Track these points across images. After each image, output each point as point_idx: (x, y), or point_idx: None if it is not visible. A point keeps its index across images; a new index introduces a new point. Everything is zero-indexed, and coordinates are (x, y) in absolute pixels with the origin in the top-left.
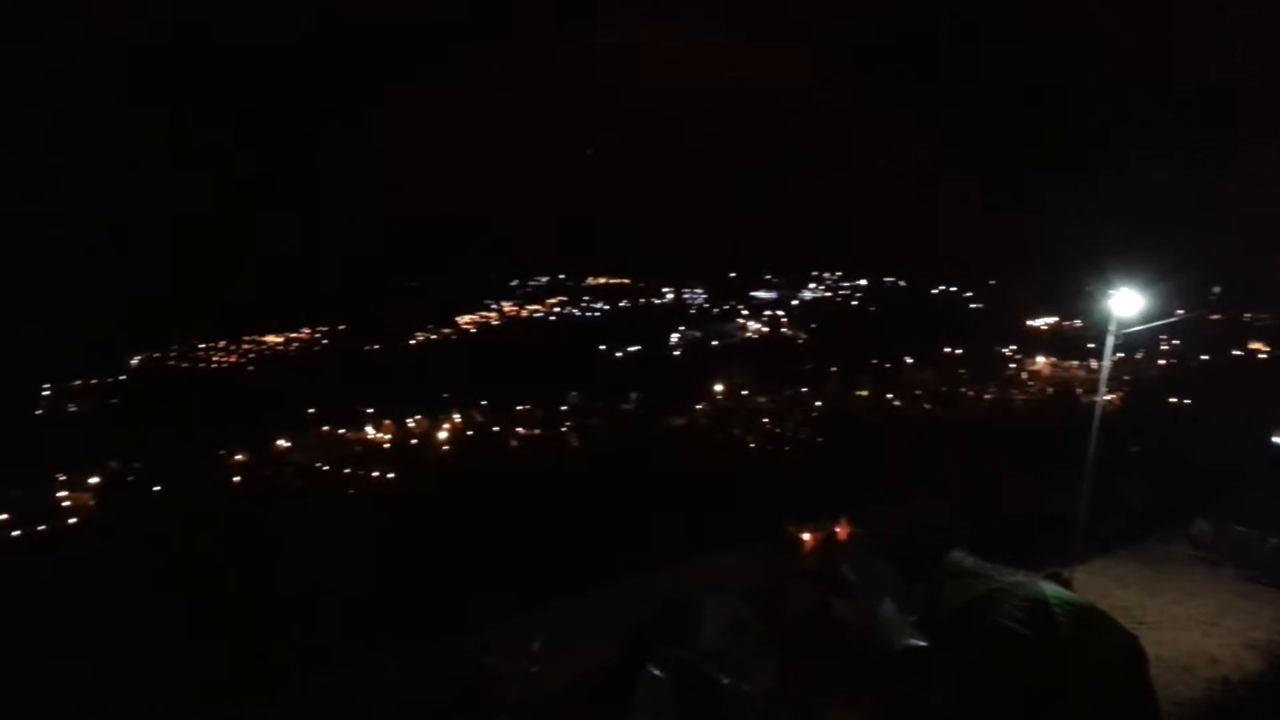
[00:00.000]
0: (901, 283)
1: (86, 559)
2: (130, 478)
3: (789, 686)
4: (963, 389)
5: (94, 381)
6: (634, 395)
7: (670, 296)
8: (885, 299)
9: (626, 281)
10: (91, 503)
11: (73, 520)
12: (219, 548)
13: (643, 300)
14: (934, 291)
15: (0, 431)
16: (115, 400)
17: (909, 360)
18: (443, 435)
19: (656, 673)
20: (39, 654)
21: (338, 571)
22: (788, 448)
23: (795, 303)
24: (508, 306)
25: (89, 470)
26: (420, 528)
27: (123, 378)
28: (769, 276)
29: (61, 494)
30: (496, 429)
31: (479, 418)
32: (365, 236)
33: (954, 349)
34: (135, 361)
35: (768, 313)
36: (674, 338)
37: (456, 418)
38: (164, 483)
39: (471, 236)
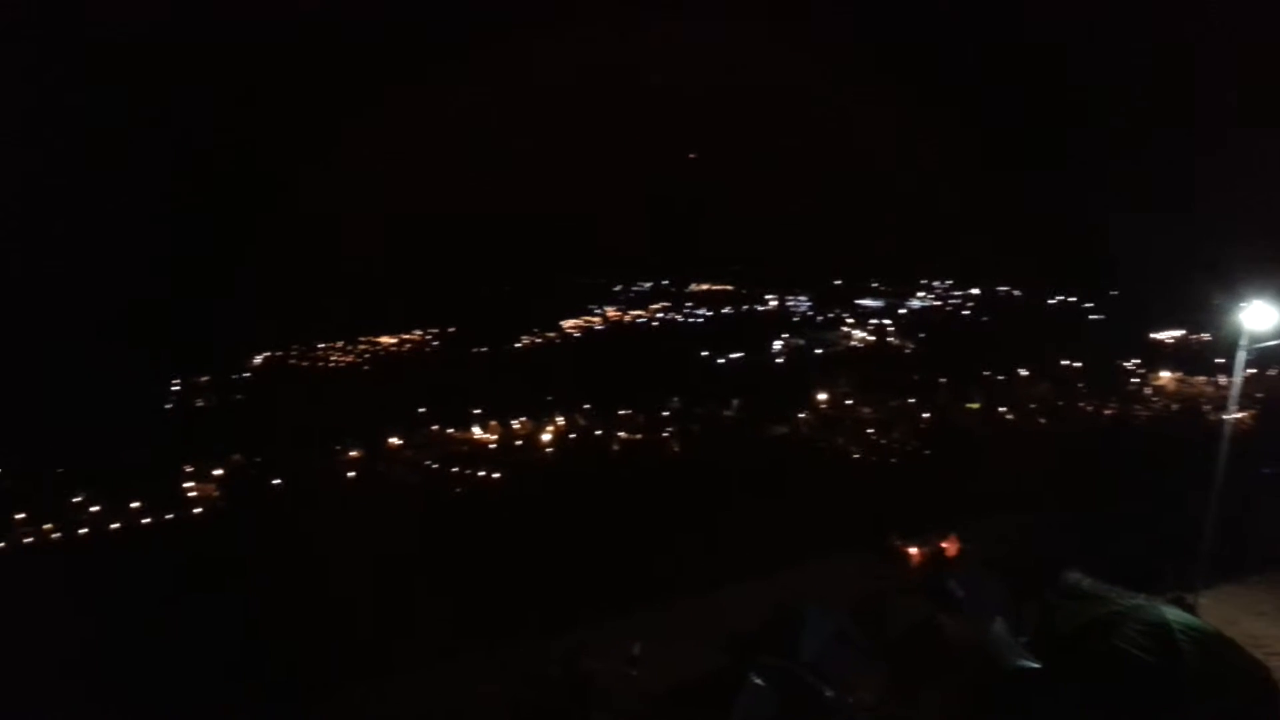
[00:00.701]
0: (1016, 292)
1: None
2: (252, 471)
3: (893, 702)
4: (1081, 403)
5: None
6: (735, 402)
7: (774, 304)
8: (998, 309)
9: (730, 288)
10: (215, 494)
11: (198, 510)
12: (327, 540)
13: (745, 307)
14: (1051, 302)
15: (134, 424)
16: (239, 396)
17: (1023, 373)
18: (546, 437)
19: (758, 681)
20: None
21: (439, 568)
22: (893, 459)
23: (902, 312)
24: (611, 312)
25: (213, 463)
26: (522, 528)
27: (247, 375)
28: (875, 284)
29: (188, 485)
30: (599, 433)
31: (582, 421)
32: (475, 242)
33: (1072, 361)
34: (259, 360)
35: (874, 321)
36: (777, 345)
37: (560, 420)
38: (283, 476)
39: (577, 242)
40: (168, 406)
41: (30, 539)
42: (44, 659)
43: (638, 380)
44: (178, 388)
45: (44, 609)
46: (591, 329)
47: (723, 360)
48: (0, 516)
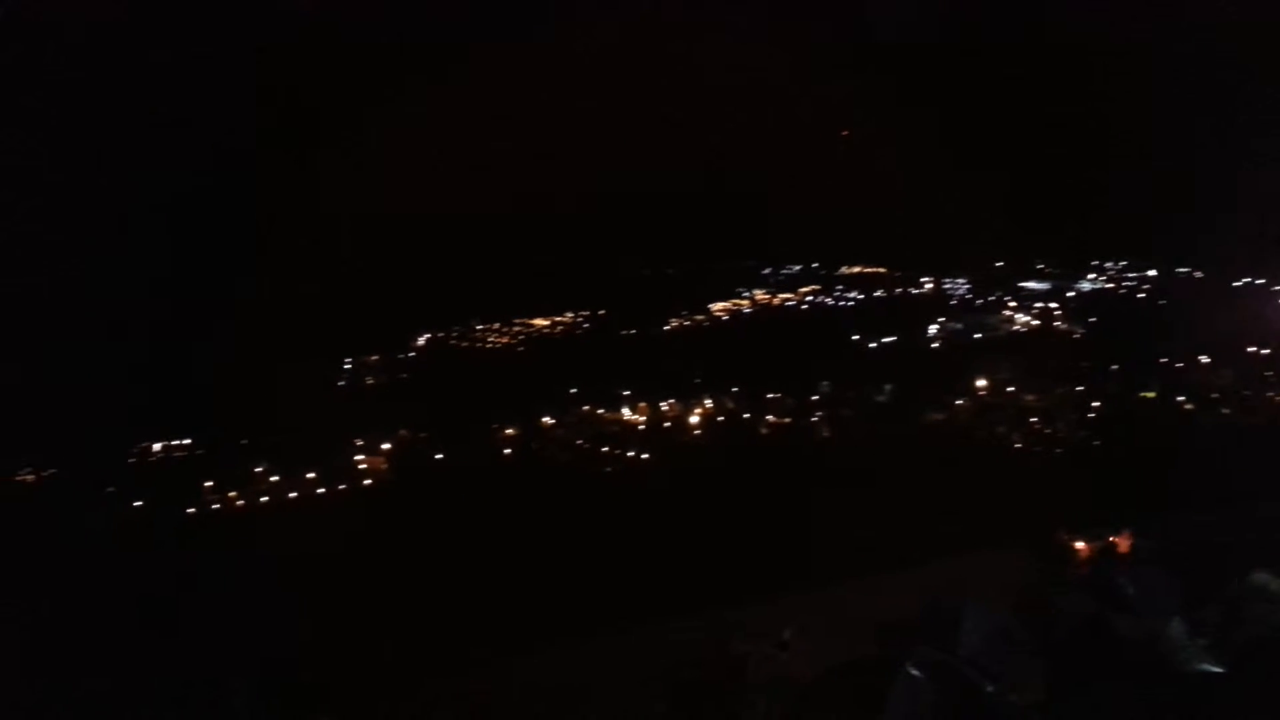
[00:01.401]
0: (1198, 274)
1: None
2: (417, 445)
3: (1058, 703)
4: (1269, 393)
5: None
6: (888, 387)
7: (929, 286)
8: (1178, 291)
9: (883, 270)
10: (383, 466)
11: (367, 482)
12: (487, 513)
13: (899, 290)
14: (1236, 284)
15: (310, 400)
16: (405, 375)
17: (1204, 360)
18: (694, 419)
19: (915, 673)
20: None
21: (590, 544)
22: (1059, 449)
23: (1071, 294)
24: (760, 295)
25: (381, 437)
26: (669, 507)
27: (412, 355)
28: (1041, 265)
29: (358, 457)
30: (747, 415)
31: (730, 404)
32: (625, 225)
33: (1260, 348)
34: (422, 341)
35: (1039, 305)
36: (932, 329)
37: (708, 403)
38: (444, 451)
39: (725, 224)
40: (340, 383)
41: (217, 505)
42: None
43: (786, 364)
44: (349, 365)
45: (228, 569)
46: (739, 312)
47: (875, 344)
48: (191, 484)
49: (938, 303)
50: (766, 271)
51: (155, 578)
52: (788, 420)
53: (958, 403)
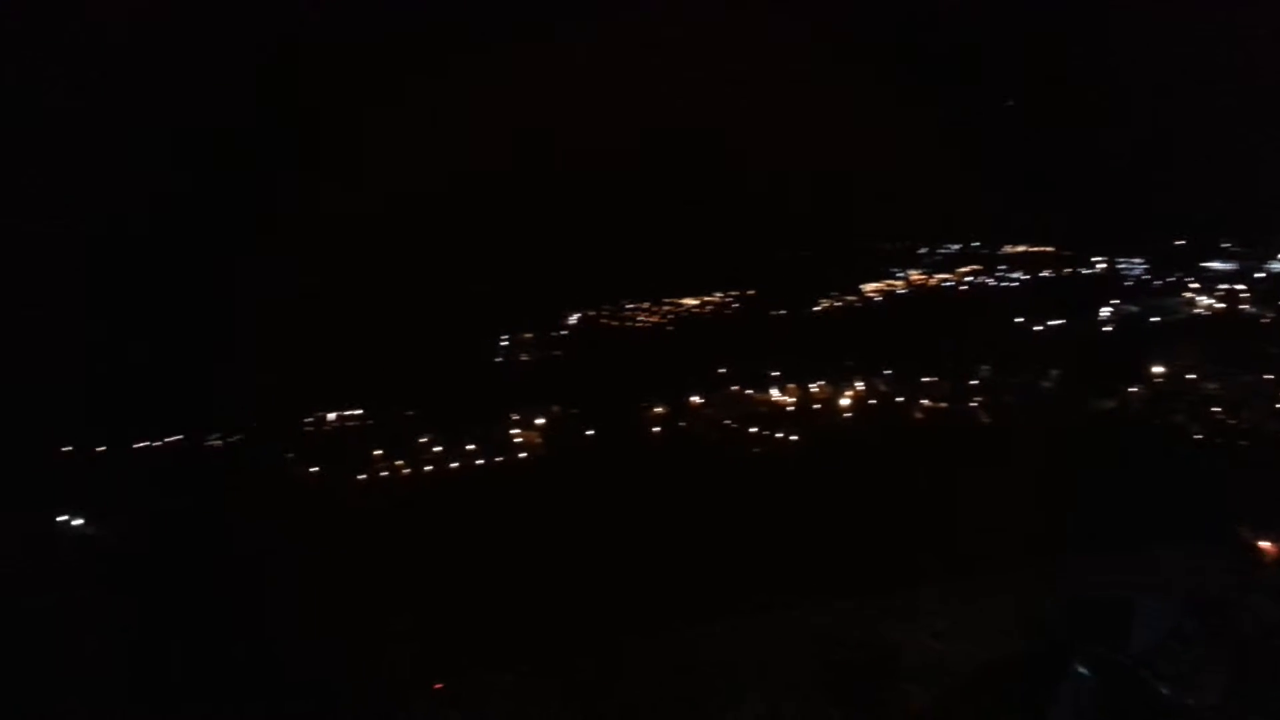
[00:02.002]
0: None
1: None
2: (569, 421)
3: (1239, 708)
4: None
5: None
6: (1054, 373)
7: (1102, 267)
8: None
9: (1050, 250)
10: (538, 440)
11: (523, 455)
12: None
13: (1068, 270)
14: None
15: (468, 375)
16: (557, 352)
17: None
18: (845, 402)
19: (1083, 671)
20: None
21: (736, 524)
22: (1244, 442)
23: (1260, 275)
24: (915, 275)
25: (535, 412)
26: (819, 490)
27: (564, 332)
28: (1226, 244)
29: (514, 431)
30: (900, 399)
31: (883, 387)
32: (776, 204)
33: None
34: (574, 319)
35: (1224, 286)
36: (1104, 312)
37: (860, 385)
38: (596, 426)
39: (880, 201)
40: (498, 359)
41: (385, 473)
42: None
43: (943, 346)
44: (505, 342)
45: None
46: (893, 293)
47: (1040, 328)
48: (362, 452)
49: (1111, 284)
50: (923, 251)
51: (332, 535)
52: (944, 405)
53: (1131, 390)
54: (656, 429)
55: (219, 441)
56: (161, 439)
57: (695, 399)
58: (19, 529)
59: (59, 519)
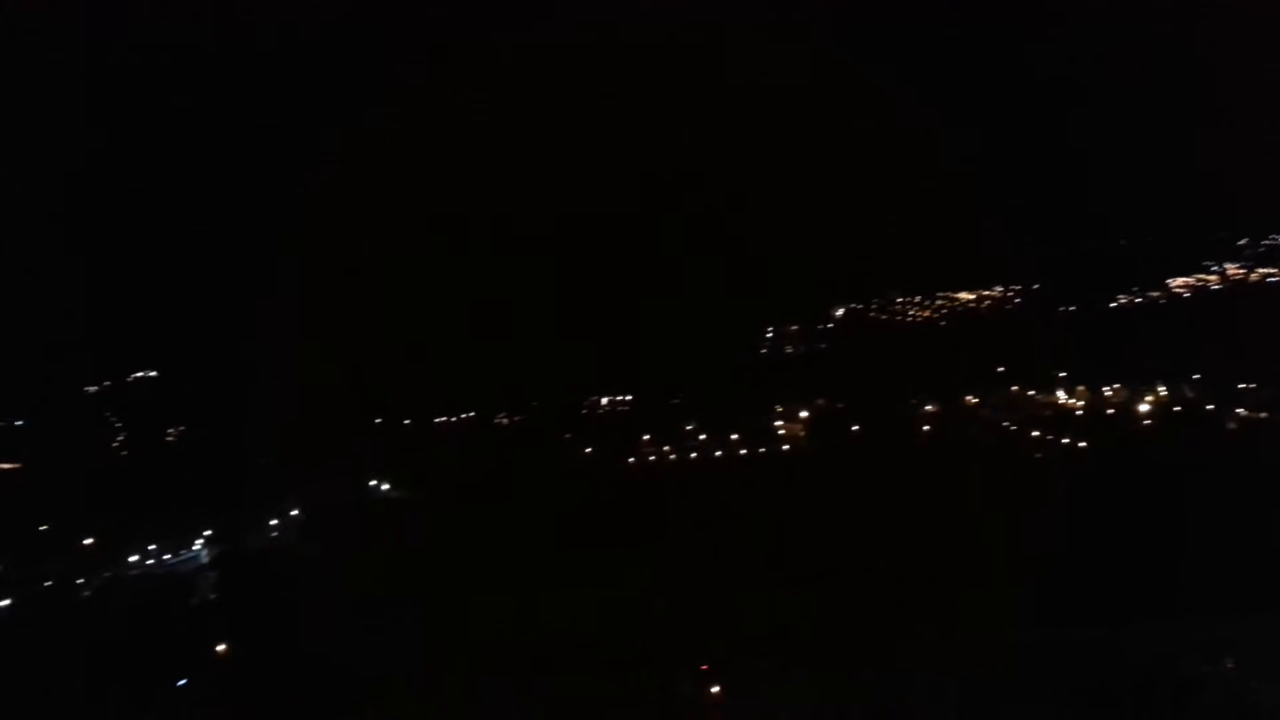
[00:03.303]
0: None
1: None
2: (833, 415)
3: None
4: None
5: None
6: None
7: None
8: None
9: None
10: (801, 434)
11: (785, 447)
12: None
13: None
14: None
15: (735, 369)
16: (824, 345)
17: None
18: (1144, 408)
19: None
20: None
21: (1008, 533)
22: None
23: None
24: (1231, 269)
25: (800, 405)
26: (1109, 502)
27: (830, 325)
28: None
29: (778, 424)
30: (1210, 407)
31: (1189, 393)
32: (1062, 187)
33: None
34: (840, 312)
35: None
36: None
37: (1162, 390)
38: (860, 422)
39: (1188, 187)
40: (762, 351)
41: (653, 457)
42: None
43: (1265, 349)
44: (771, 335)
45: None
46: (1205, 288)
47: None
48: (630, 436)
49: None
50: (1243, 242)
51: (599, 513)
52: (1263, 416)
53: None
54: (926, 428)
55: (505, 420)
56: (457, 415)
57: (970, 398)
58: (340, 493)
59: (371, 484)
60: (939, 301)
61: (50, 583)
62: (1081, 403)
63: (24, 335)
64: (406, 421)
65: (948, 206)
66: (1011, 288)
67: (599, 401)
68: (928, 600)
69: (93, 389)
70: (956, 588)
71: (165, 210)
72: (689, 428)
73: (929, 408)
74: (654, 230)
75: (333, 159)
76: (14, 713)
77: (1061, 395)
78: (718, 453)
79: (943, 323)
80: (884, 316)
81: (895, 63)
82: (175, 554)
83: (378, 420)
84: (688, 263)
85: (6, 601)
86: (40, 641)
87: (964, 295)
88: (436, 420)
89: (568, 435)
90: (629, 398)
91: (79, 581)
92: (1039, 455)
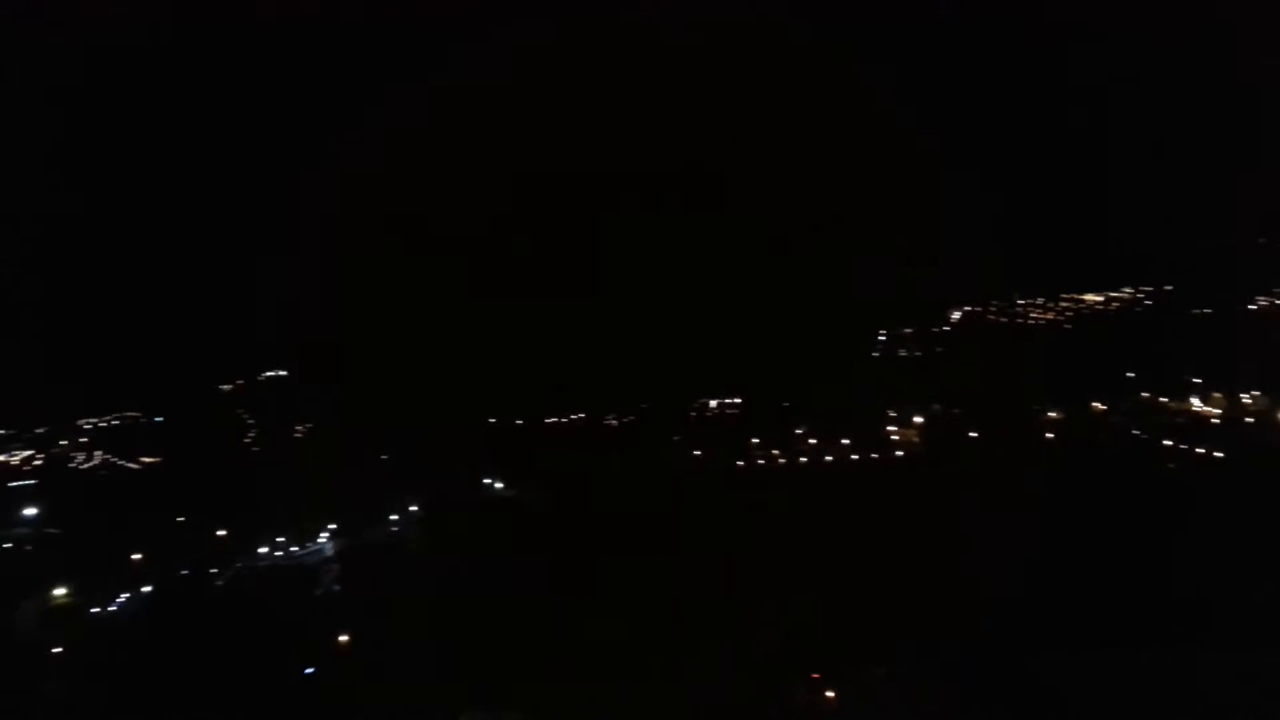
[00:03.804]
0: None
1: None
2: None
3: None
4: None
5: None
6: None
7: None
8: None
9: None
10: (915, 439)
11: (899, 453)
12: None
13: None
14: None
15: (844, 374)
16: (939, 349)
17: None
18: None
19: None
20: None
21: (1137, 550)
22: None
23: None
24: None
25: (914, 410)
26: (1245, 515)
27: (946, 328)
28: None
29: (891, 428)
30: None
31: None
32: (1191, 181)
33: None
34: (957, 315)
35: None
36: None
37: None
38: (978, 429)
39: None
40: (874, 355)
41: (762, 460)
42: None
43: None
44: (884, 338)
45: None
46: None
47: None
48: (741, 441)
49: None
50: None
51: (706, 515)
52: None
53: None
54: (1049, 435)
55: (614, 421)
56: (567, 416)
57: (1096, 404)
58: (457, 491)
59: (484, 481)
60: (1063, 303)
61: (186, 572)
62: (1218, 410)
63: (163, 337)
64: (520, 422)
65: (1074, 204)
66: (1142, 289)
67: (707, 404)
68: (1047, 615)
69: (227, 387)
70: (1078, 603)
71: (298, 214)
72: (799, 431)
73: (1052, 414)
74: (767, 234)
75: (453, 167)
76: (150, 697)
77: (1196, 402)
78: (828, 457)
79: (1067, 325)
80: (1004, 319)
81: (1015, 62)
82: (302, 546)
83: (492, 421)
84: (797, 266)
85: (147, 589)
86: (176, 628)
87: (1090, 297)
88: (548, 421)
89: (676, 437)
90: (738, 400)
91: (213, 571)
92: (1172, 466)
